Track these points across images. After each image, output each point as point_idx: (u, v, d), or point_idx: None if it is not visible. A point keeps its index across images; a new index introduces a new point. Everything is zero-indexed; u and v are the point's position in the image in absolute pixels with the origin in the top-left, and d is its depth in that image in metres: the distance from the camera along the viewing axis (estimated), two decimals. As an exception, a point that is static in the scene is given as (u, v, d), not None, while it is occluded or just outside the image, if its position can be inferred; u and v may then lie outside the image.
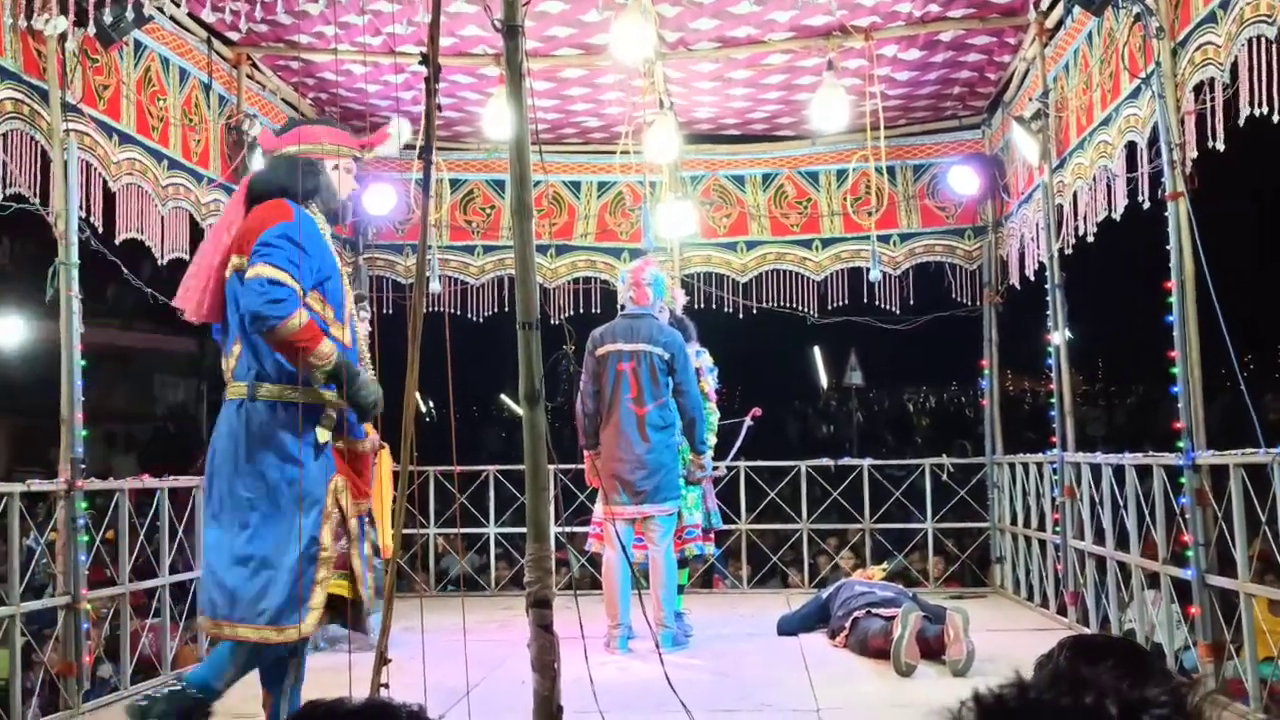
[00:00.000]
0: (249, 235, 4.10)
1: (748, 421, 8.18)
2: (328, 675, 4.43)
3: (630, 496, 6.67)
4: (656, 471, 6.69)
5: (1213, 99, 5.02)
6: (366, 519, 4.23)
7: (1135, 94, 5.86)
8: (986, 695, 1.27)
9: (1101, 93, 6.47)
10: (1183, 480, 5.41)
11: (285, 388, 4.08)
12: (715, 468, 7.64)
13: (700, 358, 7.45)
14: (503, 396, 22.60)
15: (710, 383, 7.50)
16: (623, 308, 7.05)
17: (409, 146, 8.52)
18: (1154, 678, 1.42)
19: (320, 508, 4.04)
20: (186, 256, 7.04)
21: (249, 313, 3.96)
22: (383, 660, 3.42)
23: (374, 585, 4.20)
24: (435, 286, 9.27)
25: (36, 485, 5.52)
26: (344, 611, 4.15)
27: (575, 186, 9.71)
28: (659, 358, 6.74)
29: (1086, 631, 6.71)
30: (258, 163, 7.46)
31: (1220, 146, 4.99)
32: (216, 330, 4.37)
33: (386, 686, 3.30)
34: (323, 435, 4.09)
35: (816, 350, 21.96)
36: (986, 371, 9.51)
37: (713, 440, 7.50)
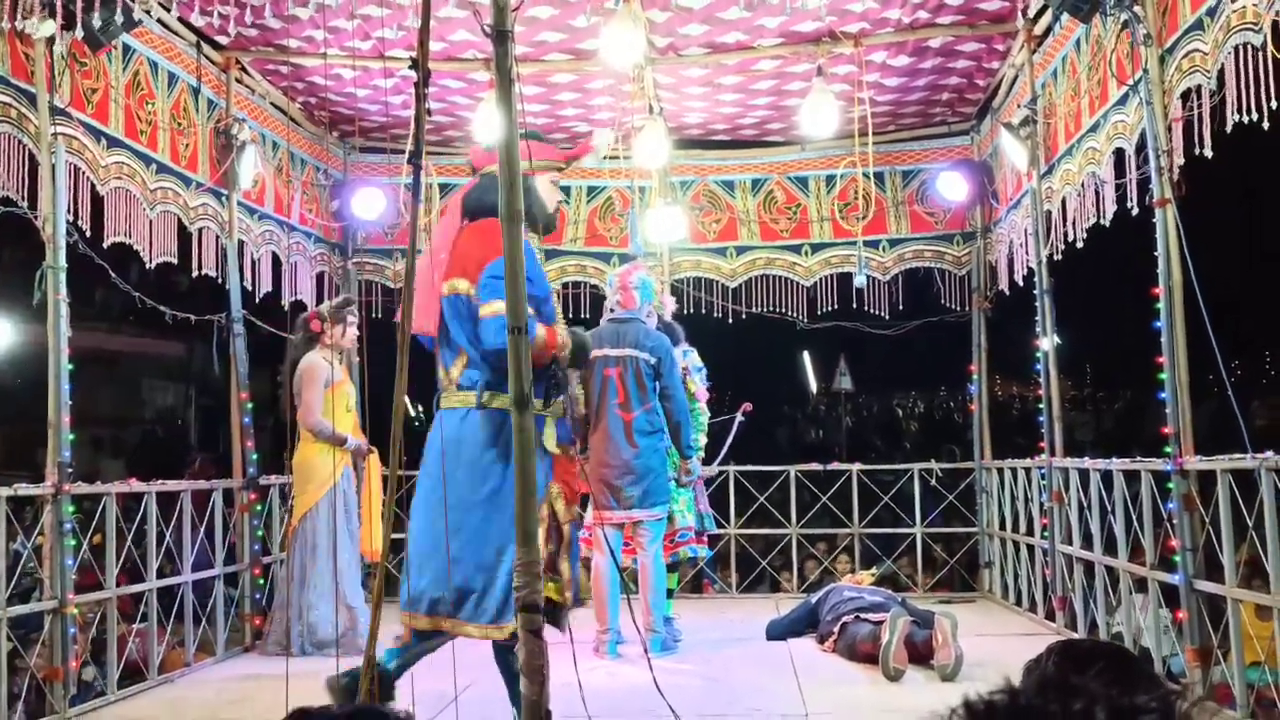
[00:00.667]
0: (468, 259, 4.32)
1: (739, 417, 8.17)
2: (319, 680, 4.42)
3: (618, 502, 6.67)
4: (644, 477, 6.69)
5: (1200, 106, 5.03)
6: (575, 525, 4.41)
7: (1123, 101, 5.88)
8: (976, 701, 1.27)
9: (1090, 99, 6.49)
10: (1170, 485, 5.43)
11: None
12: (702, 470, 7.63)
13: (688, 357, 7.46)
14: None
15: (699, 383, 7.51)
16: (610, 312, 7.05)
17: (397, 152, 8.55)
18: (1143, 683, 1.42)
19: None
20: (175, 260, 7.04)
21: (493, 350, 4.17)
22: (372, 665, 3.41)
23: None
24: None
25: (23, 489, 5.50)
26: (548, 613, 4.22)
27: (565, 191, 9.63)
28: (645, 362, 6.74)
29: (1075, 636, 6.72)
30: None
31: (1208, 153, 5.01)
32: (429, 341, 4.54)
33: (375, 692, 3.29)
34: (548, 443, 4.28)
35: (806, 355, 21.99)
36: (975, 377, 9.53)
37: (703, 441, 7.51)
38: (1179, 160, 5.27)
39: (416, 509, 4.51)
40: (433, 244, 4.67)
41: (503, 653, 4.34)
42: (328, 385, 6.98)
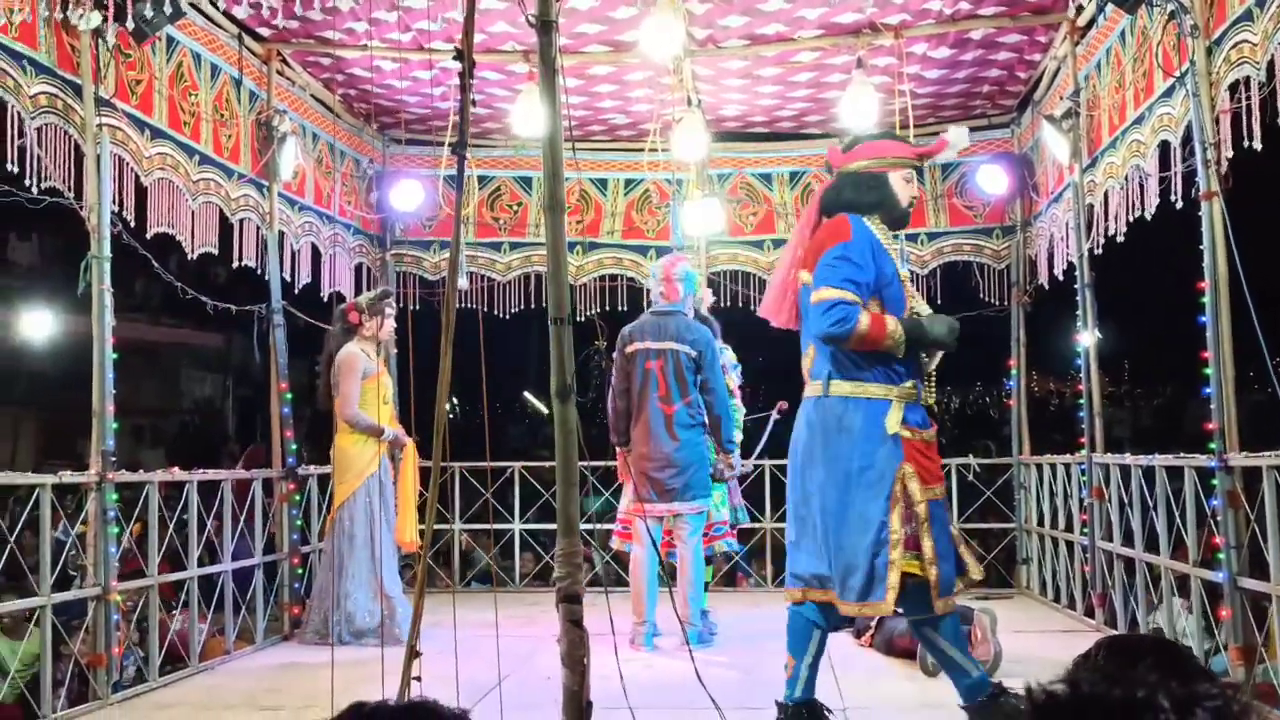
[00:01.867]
0: (814, 254, 4.56)
1: (774, 415, 8.14)
2: (358, 669, 4.46)
3: (659, 495, 6.67)
4: (685, 470, 6.69)
5: (1249, 98, 4.97)
6: (936, 503, 4.50)
7: (1169, 93, 5.82)
8: (1038, 691, 1.27)
9: (1134, 91, 6.42)
10: (1214, 482, 5.37)
11: (856, 385, 4.48)
12: (742, 464, 7.62)
13: (723, 354, 7.44)
14: (526, 394, 22.64)
15: (734, 379, 7.50)
16: (651, 304, 7.04)
17: (438, 144, 8.58)
18: (1198, 676, 1.41)
19: (888, 494, 4.38)
20: (216, 251, 7.09)
21: (821, 333, 4.44)
22: (413, 654, 3.43)
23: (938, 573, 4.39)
24: (463, 283, 9.27)
25: (68, 477, 5.55)
26: (914, 590, 4.41)
27: (602, 184, 9.70)
28: (686, 355, 6.73)
29: (1116, 633, 6.67)
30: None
31: (1257, 145, 4.95)
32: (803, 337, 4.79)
33: (419, 679, 3.30)
34: (890, 426, 4.42)
35: (840, 349, 21.91)
36: (1014, 371, 9.46)
37: (739, 437, 7.48)
38: (1227, 153, 5.21)
39: (789, 496, 4.81)
40: (790, 241, 4.94)
41: (918, 628, 4.60)
42: (365, 377, 7.02)
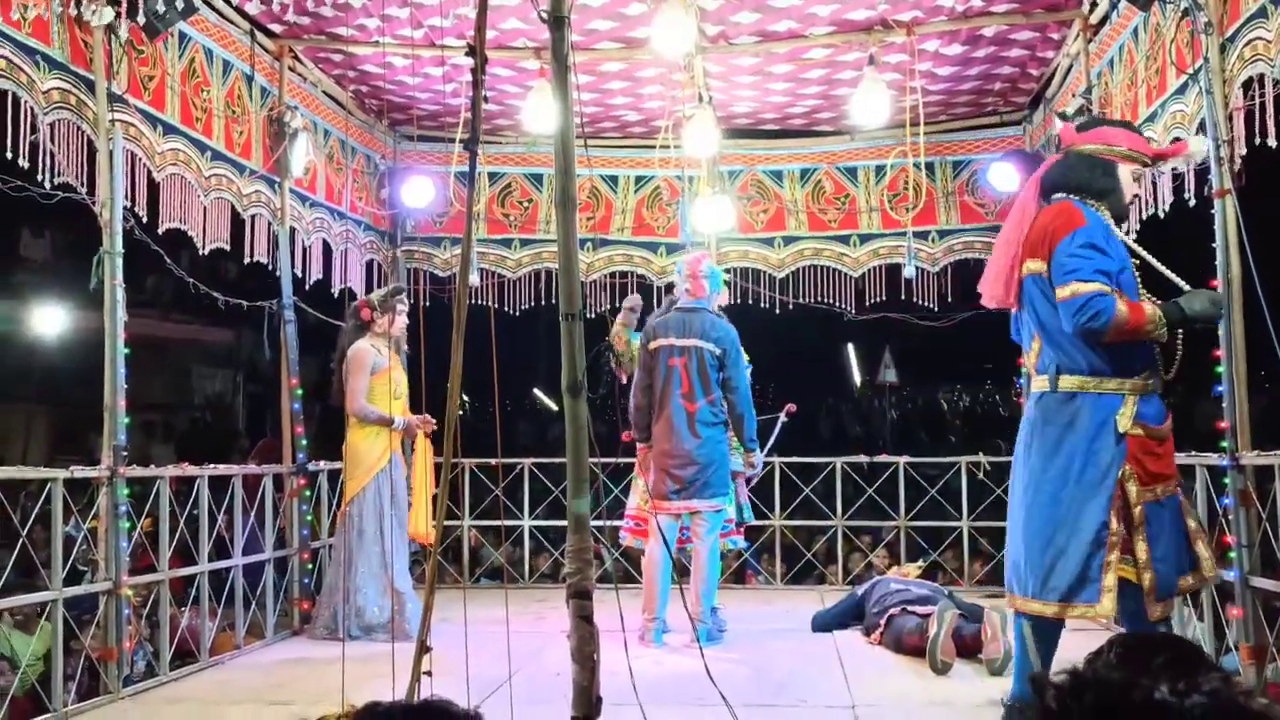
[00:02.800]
0: (1041, 240, 4.35)
1: (782, 418, 8.15)
2: (368, 665, 4.46)
3: (679, 491, 6.71)
4: (706, 467, 6.70)
5: (1262, 94, 4.96)
6: (1160, 505, 4.33)
7: (1182, 90, 5.80)
8: (1040, 677, 1.28)
9: (1147, 89, 6.40)
10: (1226, 481, 5.35)
11: (1085, 379, 4.32)
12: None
13: None
14: (536, 391, 22.66)
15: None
16: (674, 300, 7.05)
17: (449, 140, 8.59)
18: (1206, 669, 1.41)
19: (1109, 493, 4.23)
20: (227, 247, 7.11)
21: (1076, 328, 4.20)
22: (424, 649, 3.43)
23: (1153, 579, 4.29)
24: (473, 279, 9.27)
25: (80, 472, 5.57)
26: (1132, 594, 4.29)
27: (613, 180, 9.71)
28: (710, 353, 6.74)
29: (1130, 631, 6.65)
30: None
31: (1271, 142, 4.93)
32: (1015, 329, 4.68)
33: (429, 674, 3.31)
34: (1122, 424, 4.28)
35: (851, 347, 21.91)
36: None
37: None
38: (1240, 150, 5.19)
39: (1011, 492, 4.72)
40: (1011, 215, 4.71)
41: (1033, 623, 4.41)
42: (375, 372, 7.02)
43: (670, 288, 7.55)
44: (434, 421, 7.17)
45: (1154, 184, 6.36)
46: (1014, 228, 4.58)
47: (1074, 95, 7.57)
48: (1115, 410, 4.27)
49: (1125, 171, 4.50)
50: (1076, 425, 4.30)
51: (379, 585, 6.89)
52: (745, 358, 7.59)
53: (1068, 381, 4.34)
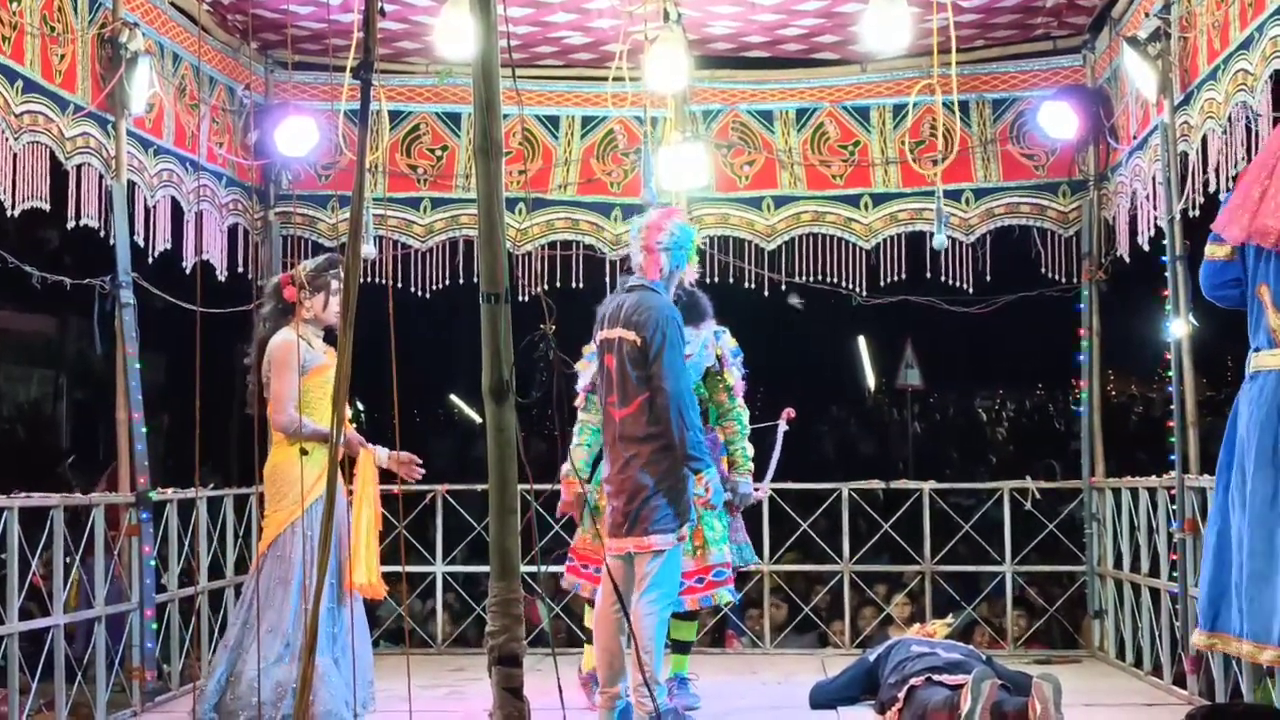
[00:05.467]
0: None
1: (781, 425, 8.04)
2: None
3: (617, 526, 6.57)
4: (633, 497, 6.55)
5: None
6: None
7: (1287, 8, 5.87)
8: None
9: (1241, 7, 6.47)
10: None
11: None
12: (756, 489, 7.58)
13: (720, 340, 7.41)
14: (452, 397, 22.60)
15: (735, 373, 7.44)
16: (627, 275, 6.97)
17: (337, 68, 8.54)
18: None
19: None
20: (46, 206, 7.03)
21: None
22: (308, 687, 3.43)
23: None
24: (369, 250, 9.18)
25: None
26: None
27: (552, 122, 9.69)
28: (630, 344, 6.63)
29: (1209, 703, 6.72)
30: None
31: None
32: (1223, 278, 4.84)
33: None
34: None
35: (862, 340, 21.98)
36: (1085, 370, 9.51)
37: (750, 450, 7.43)
38: None
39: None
40: (1269, 143, 4.79)
41: None
42: (306, 371, 6.87)
43: (627, 261, 7.45)
44: (419, 467, 7.02)
45: (1248, 129, 6.36)
46: (1271, 156, 4.72)
47: (1147, 15, 7.63)
48: None
49: None
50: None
51: (292, 654, 6.74)
52: (734, 344, 7.51)
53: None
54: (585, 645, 7.36)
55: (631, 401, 6.53)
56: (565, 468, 7.23)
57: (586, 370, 7.28)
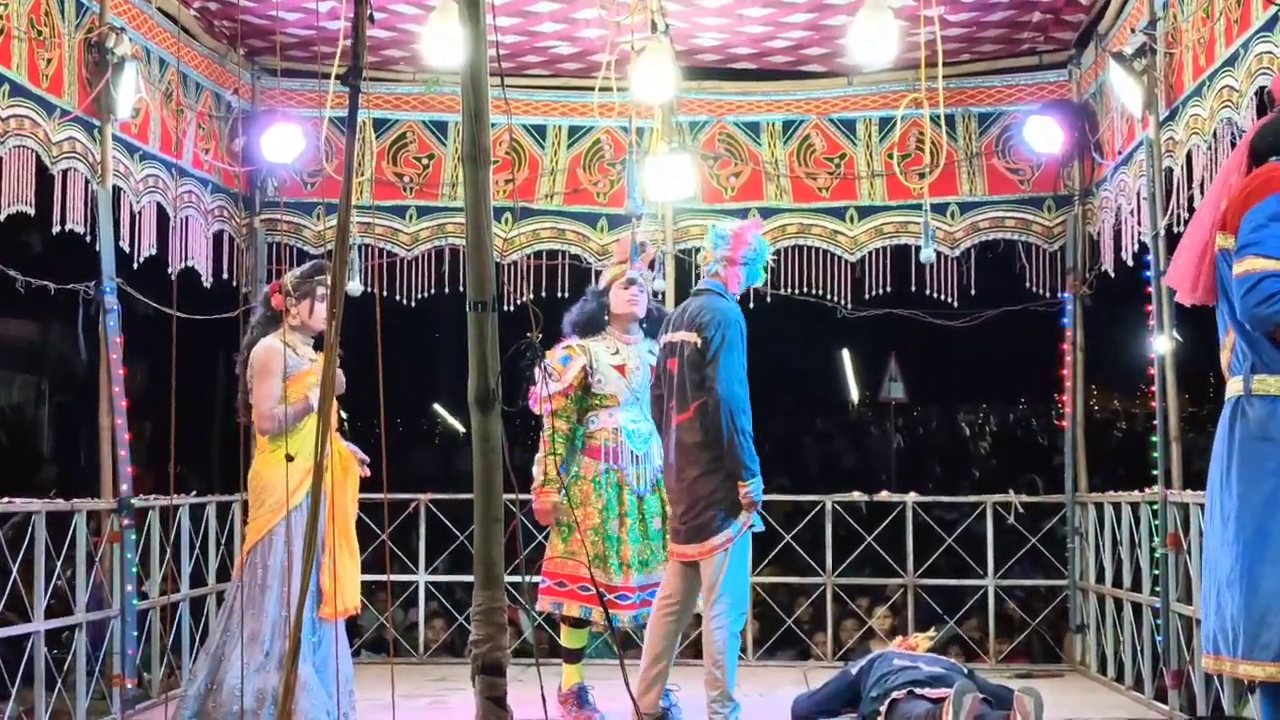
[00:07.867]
0: (1237, 209, 4.42)
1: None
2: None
3: (673, 534, 6.78)
4: (692, 506, 6.64)
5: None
6: None
7: (1270, 25, 5.88)
8: None
9: (1226, 23, 6.49)
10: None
11: None
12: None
13: None
14: (437, 406, 22.58)
15: None
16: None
17: (324, 76, 8.53)
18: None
19: None
20: (31, 211, 7.02)
21: (1245, 314, 4.34)
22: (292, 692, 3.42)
23: None
24: (355, 286, 9.16)
25: None
26: None
27: (539, 132, 9.70)
28: (691, 348, 6.64)
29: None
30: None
31: None
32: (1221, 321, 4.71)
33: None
34: None
35: (846, 354, 22.01)
36: (1068, 384, 9.53)
37: None
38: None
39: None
40: (1213, 189, 4.82)
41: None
42: (289, 376, 6.86)
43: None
44: (367, 466, 7.07)
45: (1233, 146, 6.41)
46: (1212, 201, 4.75)
47: (1133, 31, 7.66)
48: None
49: None
50: (1276, 438, 4.39)
51: (274, 663, 6.73)
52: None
53: (1263, 384, 4.45)
54: (565, 666, 7.37)
55: (688, 406, 6.61)
56: (538, 477, 7.29)
57: (564, 375, 7.30)
